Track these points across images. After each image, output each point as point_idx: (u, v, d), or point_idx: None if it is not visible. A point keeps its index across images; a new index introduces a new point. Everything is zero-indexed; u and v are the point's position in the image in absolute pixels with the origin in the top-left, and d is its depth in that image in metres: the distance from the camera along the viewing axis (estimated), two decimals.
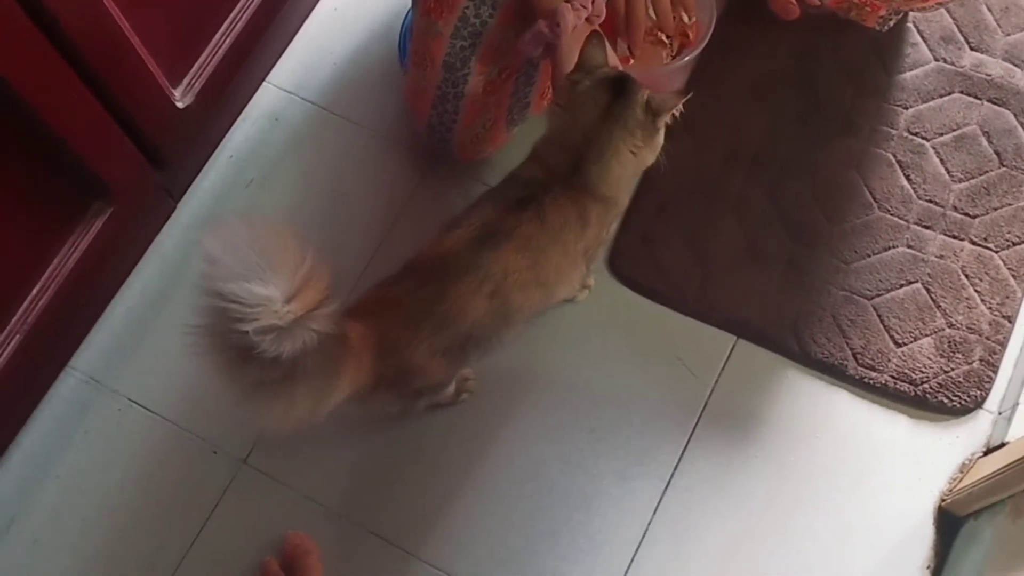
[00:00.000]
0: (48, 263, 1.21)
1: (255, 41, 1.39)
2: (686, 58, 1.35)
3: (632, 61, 1.33)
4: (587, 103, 1.08)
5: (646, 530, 1.27)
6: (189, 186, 1.44)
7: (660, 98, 1.09)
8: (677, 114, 1.11)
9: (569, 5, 1.11)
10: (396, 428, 1.30)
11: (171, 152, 1.32)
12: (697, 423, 1.32)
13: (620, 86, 1.08)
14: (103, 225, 1.25)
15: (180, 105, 1.28)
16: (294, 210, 1.43)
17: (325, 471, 1.29)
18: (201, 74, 1.30)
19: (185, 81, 1.29)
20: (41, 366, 1.31)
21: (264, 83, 1.50)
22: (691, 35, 1.38)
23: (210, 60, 1.31)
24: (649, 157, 1.13)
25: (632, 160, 1.11)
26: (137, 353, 1.35)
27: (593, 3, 1.13)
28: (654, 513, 1.27)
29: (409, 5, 1.43)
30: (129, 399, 1.33)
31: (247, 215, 0.89)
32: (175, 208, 1.42)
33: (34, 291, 1.20)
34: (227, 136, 1.47)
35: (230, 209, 1.43)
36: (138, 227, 1.38)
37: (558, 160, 1.10)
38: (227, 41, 1.33)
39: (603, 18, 1.16)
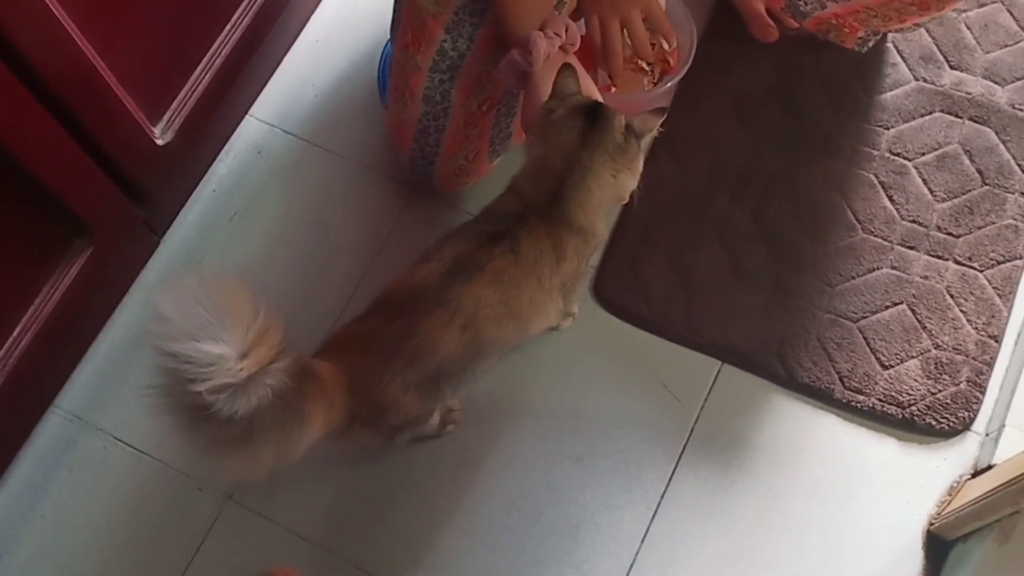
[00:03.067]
0: (30, 303, 1.21)
1: (235, 76, 1.39)
2: (667, 84, 1.36)
3: (613, 89, 1.34)
4: (563, 130, 1.08)
5: (634, 559, 1.26)
6: (172, 221, 1.44)
7: (641, 120, 1.09)
8: (656, 134, 1.11)
9: (541, 33, 1.11)
10: (381, 460, 1.30)
11: (152, 188, 1.33)
12: (684, 449, 1.31)
13: (595, 112, 1.08)
14: (85, 263, 1.24)
15: (160, 142, 1.28)
16: (278, 243, 1.44)
17: (310, 505, 1.29)
18: (181, 111, 1.31)
19: (165, 118, 1.29)
20: (25, 405, 1.31)
21: (246, 116, 1.51)
22: (671, 61, 1.38)
23: (190, 96, 1.31)
24: (630, 182, 1.12)
25: (612, 184, 1.10)
26: (121, 390, 1.35)
27: (567, 31, 1.13)
28: (642, 541, 1.27)
29: (388, 37, 1.44)
30: (114, 437, 1.32)
31: (200, 270, 0.89)
32: (159, 243, 1.42)
33: (16, 331, 1.20)
34: (210, 170, 1.48)
35: (214, 244, 1.43)
36: (121, 264, 1.38)
37: (537, 189, 1.10)
38: (207, 77, 1.33)
39: (577, 46, 1.16)
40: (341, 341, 1.07)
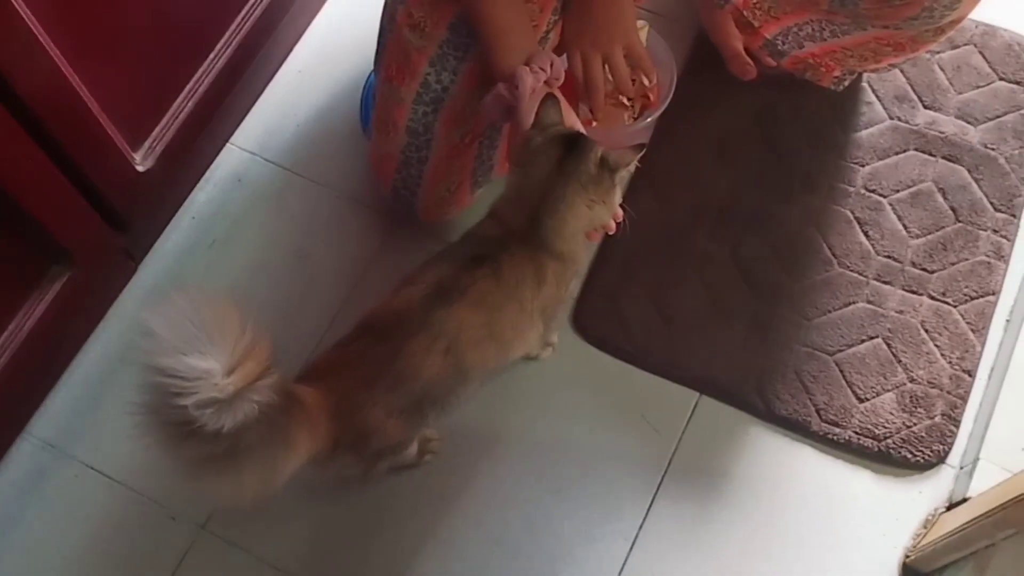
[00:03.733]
0: (4, 327, 1.20)
1: (218, 104, 1.39)
2: (648, 119, 1.37)
3: (595, 123, 1.35)
4: (540, 158, 1.09)
5: None
6: (151, 248, 1.43)
7: (616, 154, 1.10)
8: (632, 169, 1.12)
9: (527, 68, 1.12)
10: (359, 491, 1.29)
11: (132, 215, 1.32)
12: (662, 480, 1.31)
13: (573, 142, 1.09)
14: (61, 288, 1.24)
15: (141, 168, 1.28)
16: (257, 270, 1.43)
17: (286, 536, 1.27)
18: (162, 137, 1.31)
19: (146, 144, 1.29)
20: None
21: (227, 145, 1.51)
22: (652, 96, 1.40)
23: (172, 123, 1.32)
24: (605, 214, 1.13)
25: (587, 214, 1.11)
26: (95, 418, 1.33)
27: (552, 66, 1.14)
28: (619, 573, 1.26)
29: (371, 67, 1.45)
30: (86, 465, 1.30)
31: (187, 288, 0.89)
32: (136, 270, 1.42)
33: None
34: (189, 197, 1.47)
35: (192, 271, 1.42)
36: (98, 290, 1.37)
37: (515, 217, 1.11)
38: (189, 104, 1.33)
39: (562, 81, 1.17)
40: (324, 366, 1.07)
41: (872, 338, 1.37)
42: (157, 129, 1.30)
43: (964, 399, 1.34)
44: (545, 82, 1.14)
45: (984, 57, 1.55)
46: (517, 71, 1.12)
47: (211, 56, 1.35)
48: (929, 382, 1.34)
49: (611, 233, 1.16)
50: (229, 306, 0.88)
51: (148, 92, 1.28)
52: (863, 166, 1.48)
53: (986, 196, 1.46)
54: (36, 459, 1.31)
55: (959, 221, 1.44)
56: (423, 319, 1.04)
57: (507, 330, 1.10)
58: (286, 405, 0.95)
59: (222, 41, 1.36)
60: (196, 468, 0.91)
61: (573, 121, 1.16)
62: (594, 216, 1.12)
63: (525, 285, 1.10)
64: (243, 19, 1.37)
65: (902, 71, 1.54)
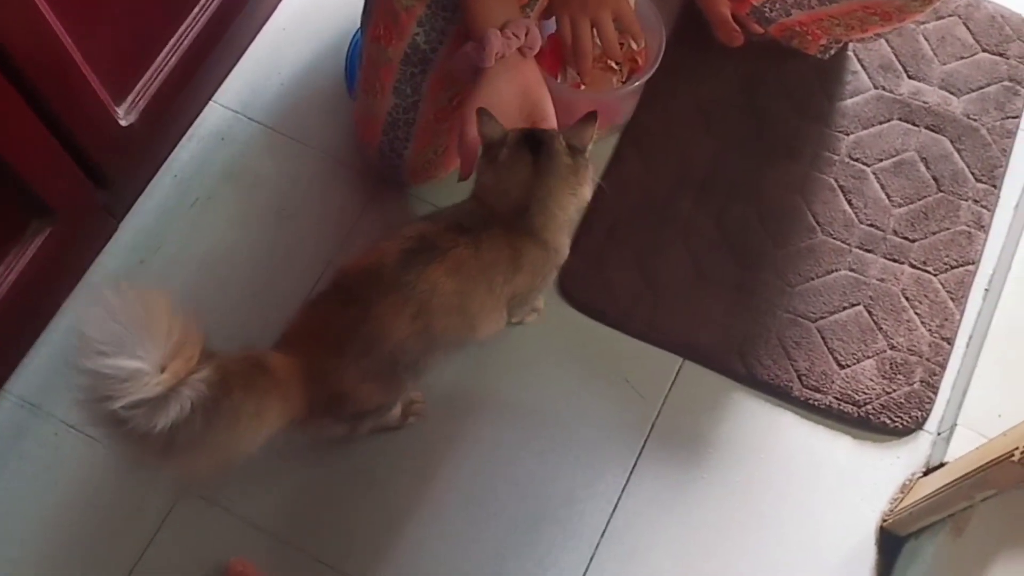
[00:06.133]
0: None
1: (202, 60, 1.37)
2: (635, 83, 1.37)
3: (583, 87, 1.35)
4: (514, 167, 1.09)
5: (594, 553, 1.26)
6: (132, 206, 1.41)
7: (576, 134, 1.11)
8: (596, 139, 1.13)
9: (498, 31, 1.11)
10: (342, 452, 1.29)
11: (114, 171, 1.30)
12: (644, 444, 1.32)
13: (535, 141, 1.10)
14: (42, 245, 1.22)
15: (123, 123, 1.26)
16: (239, 230, 1.42)
17: (269, 497, 1.27)
18: (146, 92, 1.28)
19: (129, 99, 1.27)
20: None
21: (210, 102, 1.48)
22: (640, 61, 1.40)
23: (155, 78, 1.29)
24: (587, 192, 1.15)
25: (573, 201, 1.13)
26: (74, 376, 1.32)
27: (527, 34, 1.13)
28: (602, 534, 1.27)
29: (357, 27, 1.43)
30: (66, 423, 1.29)
31: (120, 286, 0.88)
32: (117, 227, 1.40)
33: None
34: (172, 155, 1.45)
35: (174, 230, 1.41)
36: (78, 247, 1.35)
37: (501, 208, 1.11)
38: (173, 59, 1.31)
39: (536, 50, 1.15)
40: (297, 329, 1.07)
41: (854, 305, 1.39)
42: (140, 83, 1.28)
43: (943, 366, 1.36)
44: (519, 50, 1.13)
45: (968, 28, 1.56)
46: (487, 32, 1.11)
47: (196, 10, 1.32)
48: (909, 349, 1.36)
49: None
50: (160, 302, 0.88)
51: (132, 45, 1.25)
52: (847, 135, 1.49)
53: (968, 166, 1.47)
54: (14, 417, 1.29)
55: (941, 191, 1.46)
56: (396, 278, 1.04)
57: (475, 306, 1.10)
58: (231, 388, 0.94)
59: None
60: (140, 459, 0.91)
61: (544, 94, 1.15)
62: (579, 199, 1.14)
63: (498, 268, 1.10)
64: None
65: (887, 41, 1.54)
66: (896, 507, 1.28)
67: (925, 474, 1.29)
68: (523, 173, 1.09)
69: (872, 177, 1.46)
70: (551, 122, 1.15)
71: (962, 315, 1.39)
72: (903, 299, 1.39)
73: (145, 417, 0.86)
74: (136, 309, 0.86)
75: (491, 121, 1.09)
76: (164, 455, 0.91)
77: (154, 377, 0.86)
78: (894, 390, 1.34)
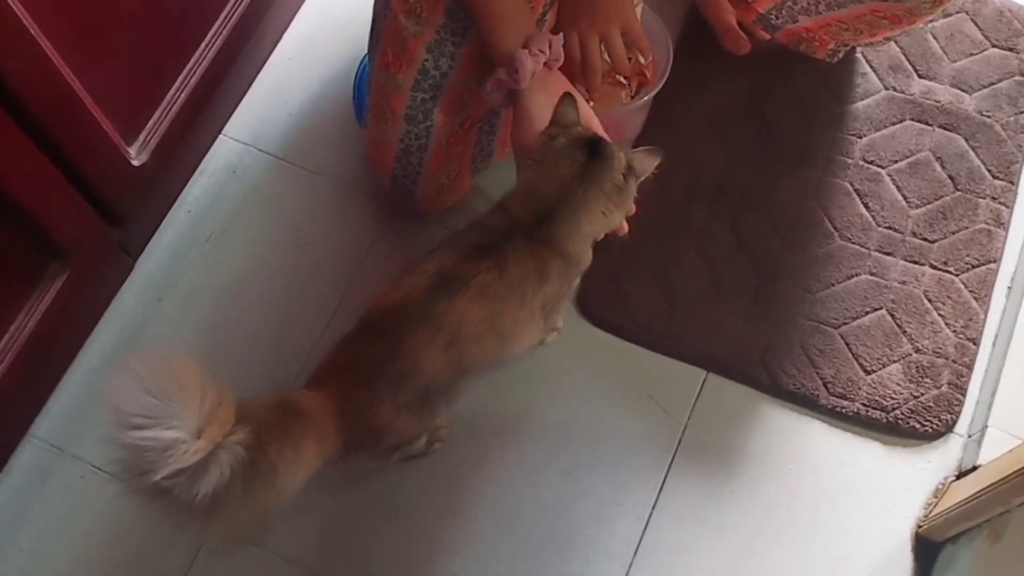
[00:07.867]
0: (6, 329, 1.18)
1: (210, 95, 1.37)
2: (644, 98, 1.36)
3: (591, 103, 1.34)
4: (563, 161, 1.08)
5: (628, 570, 1.25)
6: (147, 243, 1.41)
7: (639, 160, 1.10)
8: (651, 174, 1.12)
9: (527, 51, 1.11)
10: (368, 482, 1.28)
11: (128, 210, 1.30)
12: (673, 460, 1.31)
13: (595, 148, 1.08)
14: (61, 287, 1.21)
15: (136, 163, 1.26)
16: (255, 264, 1.41)
17: (298, 529, 1.26)
18: (156, 131, 1.29)
19: (140, 138, 1.27)
20: (0, 435, 1.27)
21: (220, 136, 1.49)
22: (648, 74, 1.39)
23: (165, 116, 1.29)
24: (619, 218, 1.13)
25: (602, 220, 1.11)
26: (98, 417, 1.30)
27: (551, 47, 1.13)
28: (635, 552, 1.26)
29: (364, 52, 1.43)
30: (92, 465, 1.29)
31: (143, 352, 0.88)
32: (133, 266, 1.40)
33: None
34: (184, 191, 1.45)
35: (190, 266, 1.40)
36: (96, 287, 1.35)
37: (525, 212, 1.09)
38: (182, 96, 1.31)
39: (561, 62, 1.15)
40: (328, 368, 1.06)
41: (876, 309, 1.37)
42: (151, 122, 1.28)
43: (970, 367, 1.34)
44: (545, 64, 1.13)
45: (976, 24, 1.55)
46: (516, 55, 1.10)
47: (202, 46, 1.32)
48: (934, 352, 1.35)
49: (621, 235, 1.16)
50: (188, 366, 0.87)
51: (141, 85, 1.26)
52: (860, 137, 1.48)
53: (984, 164, 1.46)
54: (41, 460, 1.29)
55: (958, 190, 1.45)
56: (424, 312, 1.03)
57: (508, 324, 1.09)
58: (267, 444, 0.93)
59: (213, 30, 1.33)
60: (185, 522, 0.90)
61: (588, 117, 1.15)
62: (608, 221, 1.12)
63: (528, 281, 1.08)
64: (234, 5, 1.35)
65: (896, 41, 1.53)
66: (930, 513, 1.26)
67: (958, 478, 1.28)
68: (569, 171, 1.07)
69: (888, 179, 1.45)
70: (600, 132, 1.14)
71: (986, 314, 1.37)
72: (926, 301, 1.38)
73: (186, 485, 0.85)
74: (166, 377, 0.85)
75: (571, 109, 1.09)
76: (207, 518, 0.90)
77: (192, 444, 0.85)
78: (922, 394, 1.32)
